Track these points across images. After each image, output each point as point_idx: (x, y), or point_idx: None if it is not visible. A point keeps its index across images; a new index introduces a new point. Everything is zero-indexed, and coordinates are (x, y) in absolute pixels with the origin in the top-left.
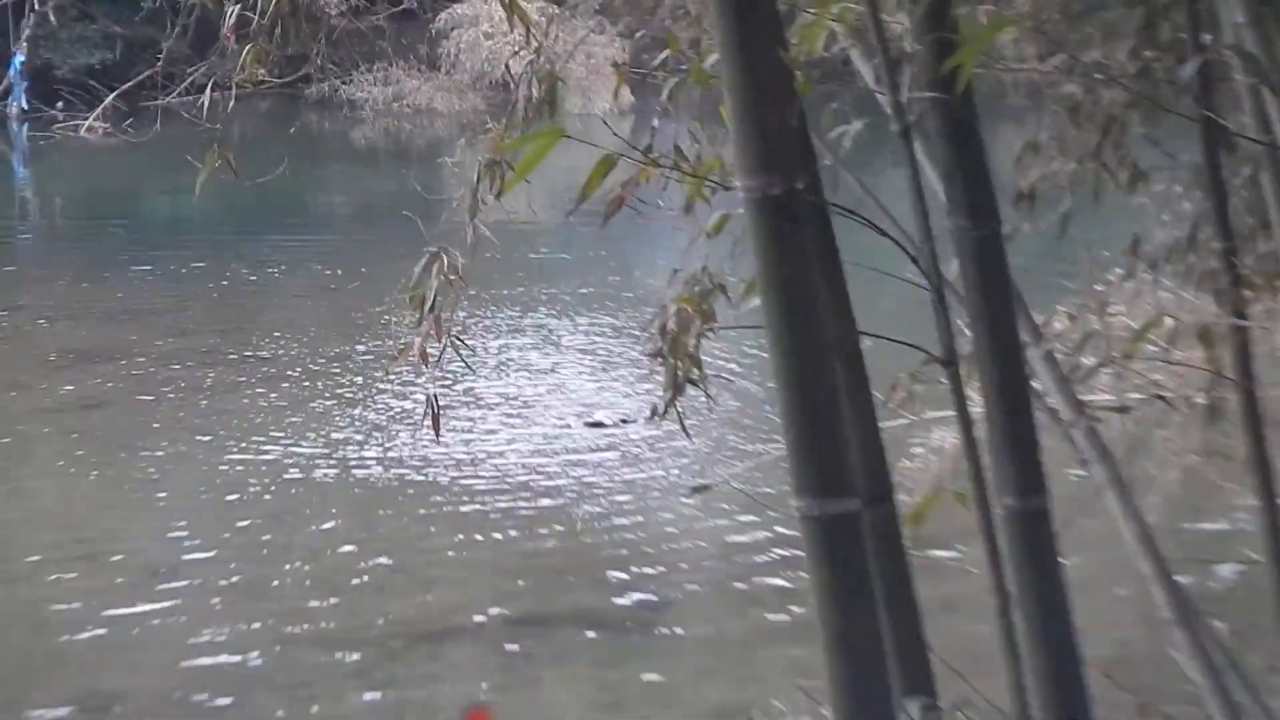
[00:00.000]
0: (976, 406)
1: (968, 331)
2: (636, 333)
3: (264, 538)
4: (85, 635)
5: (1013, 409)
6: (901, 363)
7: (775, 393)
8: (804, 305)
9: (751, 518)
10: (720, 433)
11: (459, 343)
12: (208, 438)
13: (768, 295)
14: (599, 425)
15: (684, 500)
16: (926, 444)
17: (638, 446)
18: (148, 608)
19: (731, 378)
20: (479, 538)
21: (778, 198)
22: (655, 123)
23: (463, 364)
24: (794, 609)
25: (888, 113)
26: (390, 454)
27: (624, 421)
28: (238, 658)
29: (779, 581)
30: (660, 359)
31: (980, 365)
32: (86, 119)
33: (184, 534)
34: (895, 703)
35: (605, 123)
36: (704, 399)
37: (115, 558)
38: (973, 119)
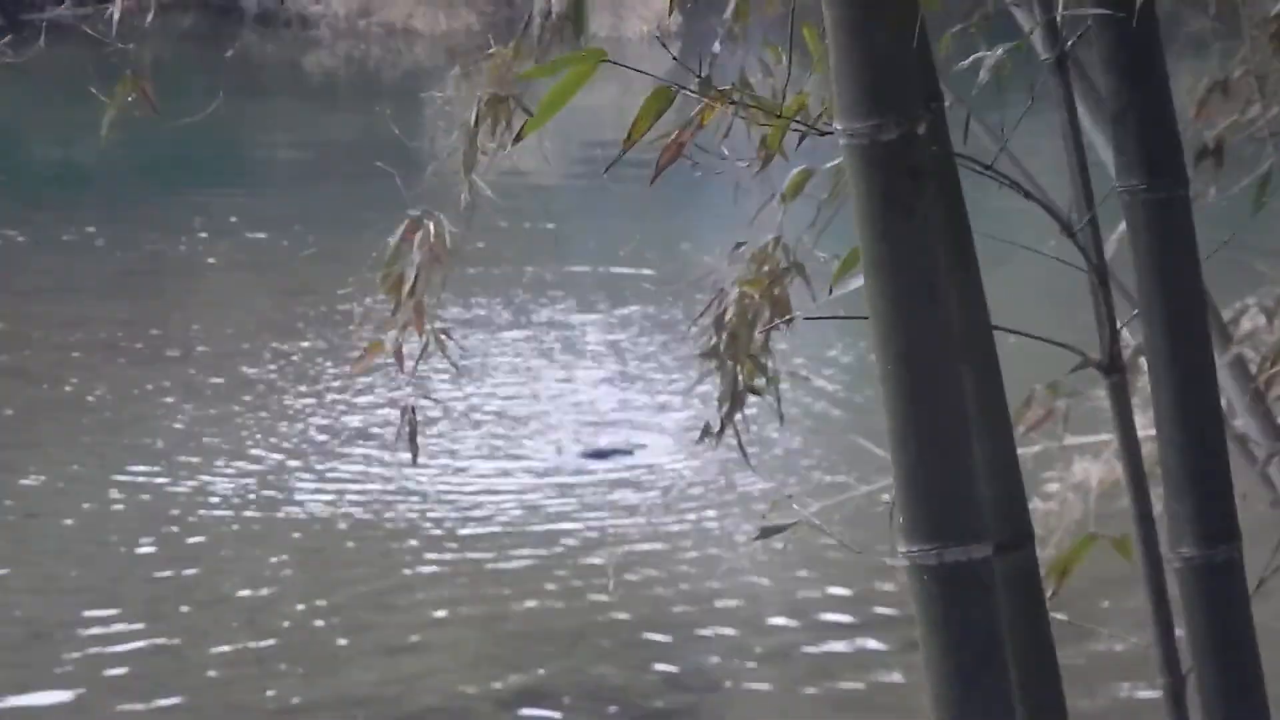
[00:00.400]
0: (1143, 429)
1: (1128, 333)
2: (680, 326)
3: (180, 593)
4: None
5: (1197, 432)
6: (1038, 369)
7: (881, 404)
8: (923, 290)
9: (820, 569)
10: (790, 460)
11: (444, 339)
12: (105, 460)
13: (874, 275)
14: (600, 455)
15: (739, 545)
16: (1065, 479)
17: (674, 475)
18: (25, 683)
19: (805, 387)
20: (466, 593)
21: (891, 145)
22: (715, 48)
23: (448, 366)
24: (877, 681)
25: (1029, 38)
26: (349, 484)
27: (615, 453)
28: None
29: (861, 650)
30: (714, 361)
31: (1154, 374)
32: None
33: (75, 587)
34: None
35: (662, 44)
36: (770, 414)
37: None
38: (1154, 45)
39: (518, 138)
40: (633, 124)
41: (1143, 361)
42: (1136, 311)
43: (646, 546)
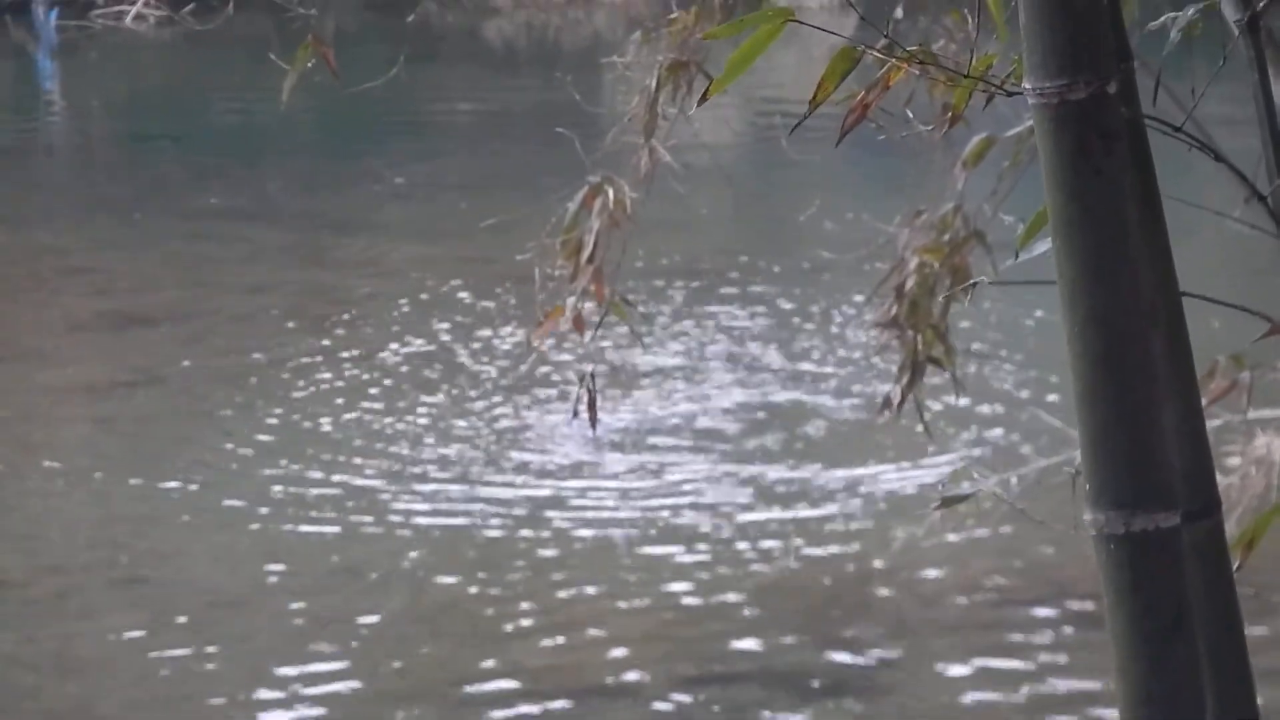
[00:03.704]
0: None
1: None
2: (856, 296)
3: (353, 566)
4: (124, 682)
5: None
6: (1220, 339)
7: (1064, 377)
8: (1115, 254)
9: (1008, 543)
10: (969, 433)
11: (626, 305)
12: (282, 431)
13: (1063, 236)
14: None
15: (916, 517)
16: (1248, 452)
17: (848, 448)
18: (203, 649)
19: (984, 359)
20: (633, 568)
21: (1082, 105)
22: (898, 12)
23: (628, 335)
24: (1053, 655)
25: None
26: (520, 457)
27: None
28: (318, 713)
29: (1038, 623)
30: (894, 330)
31: None
32: (133, 5)
33: (247, 559)
34: None
35: (850, 2)
36: (949, 385)
37: (161, 585)
38: None
39: (703, 98)
40: (818, 84)
41: None
42: None
43: (822, 519)
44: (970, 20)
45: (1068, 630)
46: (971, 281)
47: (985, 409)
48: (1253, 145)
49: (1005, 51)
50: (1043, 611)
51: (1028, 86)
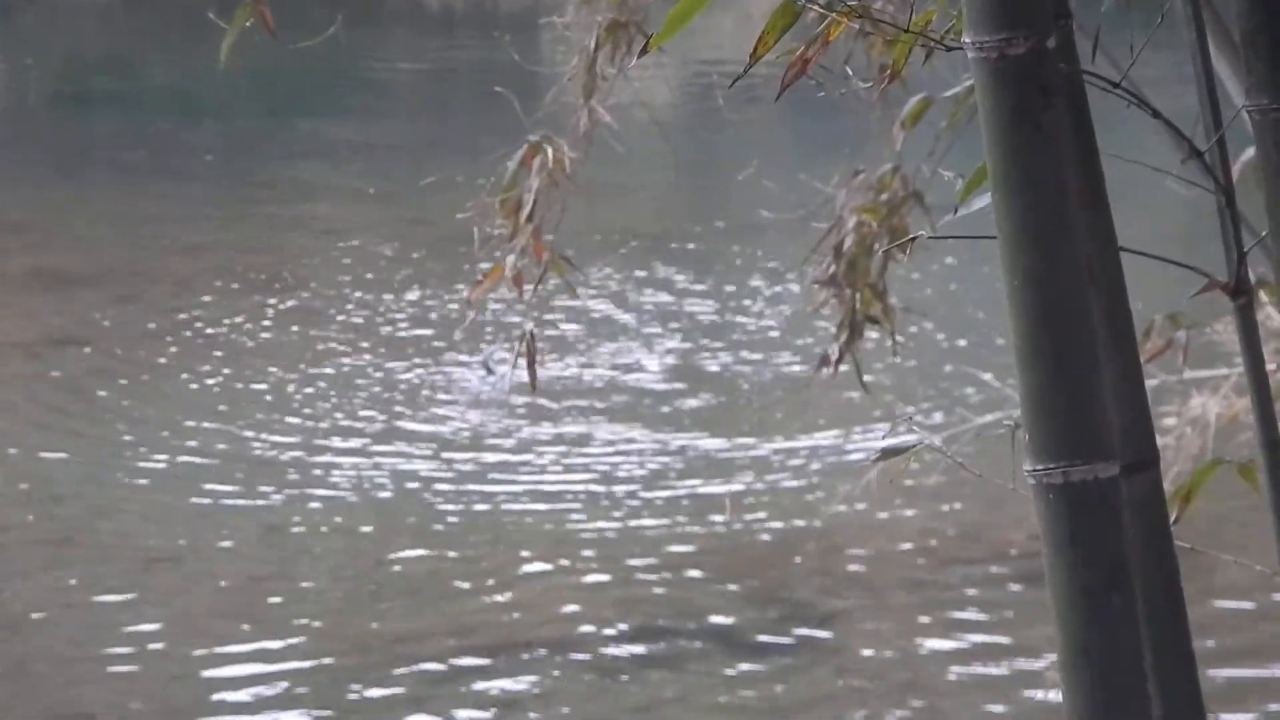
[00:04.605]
0: (1268, 360)
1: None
2: (793, 250)
3: (292, 524)
4: (59, 639)
5: None
6: (1158, 297)
7: (1010, 325)
8: (1053, 209)
9: (945, 499)
10: (908, 387)
11: (565, 263)
12: (220, 389)
13: (1001, 191)
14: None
15: (855, 473)
16: (1183, 413)
17: (786, 408)
18: (138, 607)
19: (922, 319)
20: (578, 525)
21: (1021, 60)
22: None
23: (566, 295)
24: (996, 609)
25: None
26: (463, 417)
27: (488, 370)
28: (259, 670)
29: (979, 577)
30: (833, 289)
31: None
32: None
33: (181, 519)
34: None
35: None
36: (889, 344)
37: (94, 545)
38: None
39: (642, 52)
40: (758, 39)
41: (1263, 295)
42: (1265, 234)
43: (761, 479)
44: None
45: (1006, 586)
46: (910, 237)
47: (924, 367)
48: (1192, 105)
49: (945, 9)
50: (981, 568)
51: (967, 41)
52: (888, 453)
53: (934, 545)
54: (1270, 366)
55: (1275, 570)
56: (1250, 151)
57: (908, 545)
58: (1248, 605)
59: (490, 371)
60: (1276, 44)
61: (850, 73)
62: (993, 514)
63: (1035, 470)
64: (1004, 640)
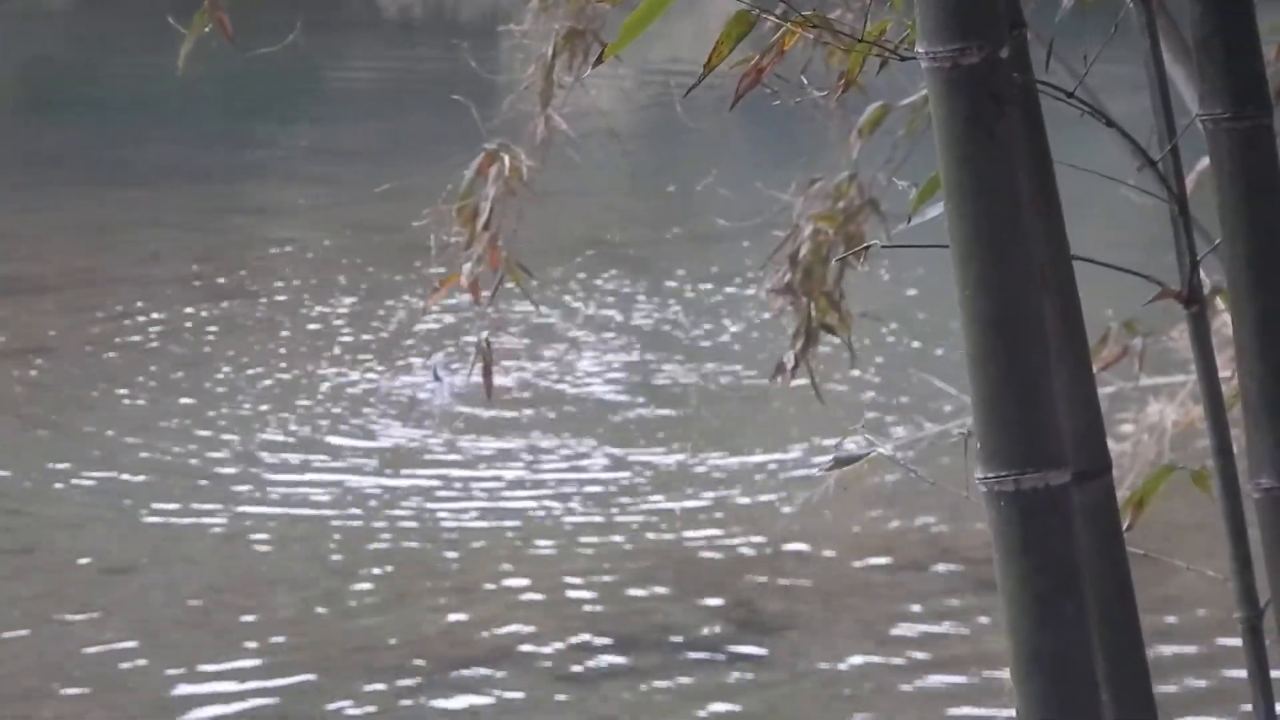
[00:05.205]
0: (1221, 369)
1: (1205, 273)
2: (749, 259)
3: (244, 533)
4: (17, 649)
5: (1279, 363)
6: (1114, 306)
7: (963, 333)
8: (1006, 218)
9: (902, 508)
10: (865, 395)
11: (521, 271)
12: (178, 393)
13: (955, 200)
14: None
15: (809, 484)
16: (1140, 420)
17: (741, 417)
18: (96, 616)
19: (878, 327)
20: (533, 535)
21: (974, 69)
22: None
23: (521, 305)
24: (950, 617)
25: None
26: (416, 428)
27: (436, 378)
28: (222, 686)
29: (932, 586)
30: (789, 297)
31: (1235, 305)
32: None
33: (140, 528)
34: None
35: None
36: (843, 353)
37: (53, 554)
38: None
39: (598, 60)
40: (713, 48)
41: (1219, 301)
42: (1218, 241)
43: (716, 487)
44: None
45: (964, 594)
46: (865, 245)
47: (882, 375)
48: (1149, 111)
49: (899, 19)
50: (939, 576)
51: (921, 50)
52: (840, 462)
53: (891, 554)
54: (1224, 374)
55: (1228, 577)
56: (1207, 159)
57: (865, 554)
58: (1201, 613)
59: (438, 379)
60: (1229, 51)
61: (806, 82)
62: (950, 523)
63: (987, 478)
64: (962, 650)
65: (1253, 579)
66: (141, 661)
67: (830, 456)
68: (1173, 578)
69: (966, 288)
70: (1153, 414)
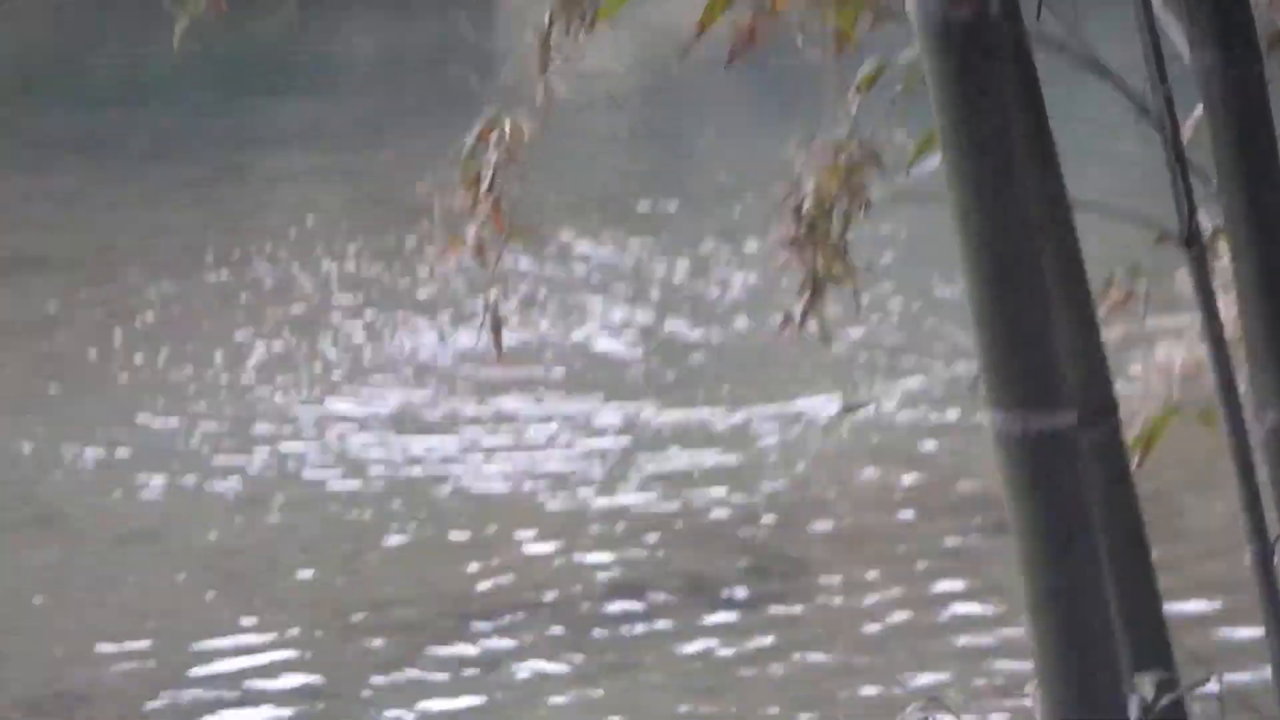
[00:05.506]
0: (1223, 310)
1: (1204, 217)
2: (751, 217)
3: (259, 499)
4: (36, 617)
5: (1278, 298)
6: (1117, 252)
7: (965, 284)
8: (1001, 167)
9: (911, 454)
10: (872, 344)
11: (525, 233)
12: (184, 372)
13: (951, 154)
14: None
15: (820, 430)
16: (1148, 362)
17: (748, 370)
18: (114, 583)
19: (887, 273)
20: (546, 485)
21: (966, 24)
22: None
23: (527, 267)
24: (962, 562)
25: None
26: (421, 388)
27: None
28: (243, 640)
29: (942, 532)
30: (794, 249)
31: (1234, 246)
32: None
33: (155, 496)
34: (1124, 682)
35: None
36: (849, 307)
37: (69, 522)
38: None
39: (593, 22)
40: (705, 8)
41: (1220, 245)
42: (1216, 182)
43: (726, 441)
44: None
45: (970, 539)
46: (862, 201)
47: (890, 324)
48: (1140, 65)
49: None
50: (949, 518)
51: (909, 7)
52: (849, 406)
53: (907, 500)
54: (1228, 312)
55: (1233, 512)
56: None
57: (880, 502)
58: (1214, 545)
59: (444, 341)
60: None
61: (801, 40)
62: (958, 465)
63: (994, 420)
64: (976, 583)
65: (1262, 513)
66: (159, 624)
67: (840, 406)
68: (1185, 513)
69: (966, 242)
70: (1161, 355)
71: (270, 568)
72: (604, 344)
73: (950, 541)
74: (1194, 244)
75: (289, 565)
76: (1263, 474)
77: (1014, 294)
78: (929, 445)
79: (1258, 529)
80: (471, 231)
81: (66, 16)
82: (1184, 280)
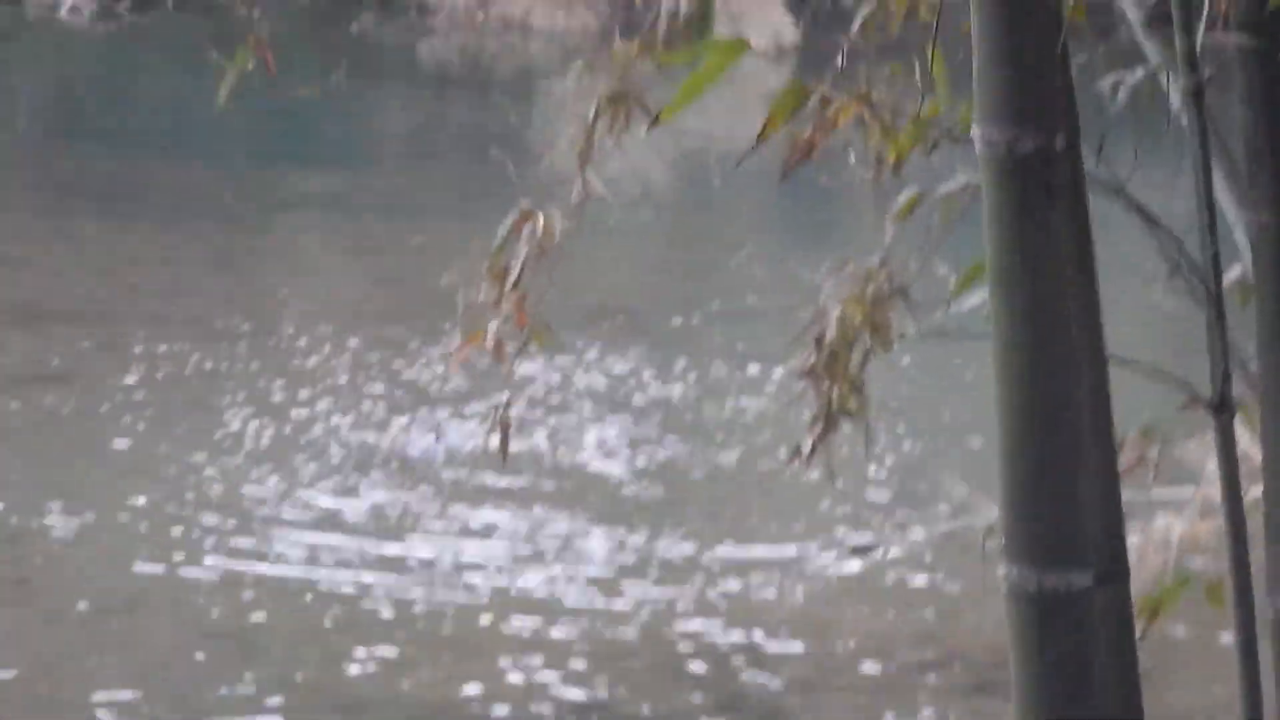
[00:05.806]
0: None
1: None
2: (775, 340)
3: (244, 576)
4: (9, 681)
5: None
6: (1136, 409)
7: (998, 421)
8: (1051, 309)
9: (901, 606)
10: (876, 487)
11: (546, 334)
12: (185, 439)
13: (1000, 287)
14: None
15: (826, 570)
16: (1148, 530)
17: (751, 504)
18: (91, 651)
19: (900, 413)
20: (523, 607)
21: (1029, 158)
22: (839, 62)
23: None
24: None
25: (1152, 66)
26: (411, 490)
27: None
28: None
29: (935, 683)
30: (811, 380)
31: (1266, 414)
32: None
33: (140, 563)
34: None
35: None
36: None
37: (50, 586)
38: None
39: (653, 122)
40: (766, 119)
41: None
42: (1256, 344)
43: (713, 573)
44: (918, 68)
45: (961, 695)
46: (900, 334)
47: (892, 469)
48: (1177, 214)
49: (945, 107)
50: (936, 674)
51: (976, 134)
52: (857, 550)
53: (888, 650)
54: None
55: (1232, 693)
56: (1236, 269)
57: (860, 649)
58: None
59: (439, 441)
60: (1278, 157)
61: (853, 160)
62: (951, 623)
63: (1008, 574)
64: None
65: (1259, 697)
66: (129, 694)
67: (848, 546)
68: (1169, 695)
69: (1005, 377)
70: (1160, 526)
71: (251, 654)
72: (600, 461)
73: (932, 698)
74: (1224, 410)
75: (266, 661)
76: (1265, 656)
77: (1047, 440)
78: (919, 595)
79: (1254, 711)
80: (493, 327)
81: (110, 56)
82: (1192, 449)
